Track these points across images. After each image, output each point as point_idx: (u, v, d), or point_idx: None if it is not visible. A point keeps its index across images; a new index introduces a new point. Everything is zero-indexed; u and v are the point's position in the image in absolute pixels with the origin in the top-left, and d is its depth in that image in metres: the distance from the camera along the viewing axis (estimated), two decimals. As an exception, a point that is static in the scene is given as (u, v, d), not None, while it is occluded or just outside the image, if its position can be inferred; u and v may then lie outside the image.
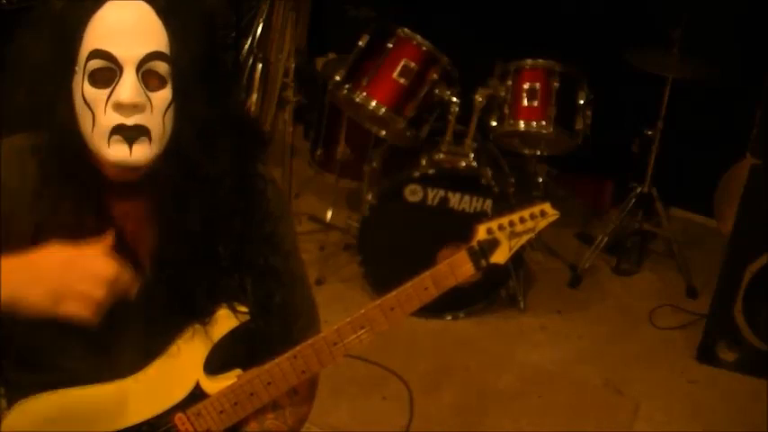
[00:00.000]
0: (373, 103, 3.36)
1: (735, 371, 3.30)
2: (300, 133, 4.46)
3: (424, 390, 3.07)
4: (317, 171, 4.13)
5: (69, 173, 1.33)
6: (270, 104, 4.12)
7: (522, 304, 3.56)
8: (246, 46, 4.17)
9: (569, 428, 3.01)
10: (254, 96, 4.04)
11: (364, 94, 3.37)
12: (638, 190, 3.81)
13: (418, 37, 3.40)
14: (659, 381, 3.26)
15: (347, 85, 3.40)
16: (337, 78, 3.41)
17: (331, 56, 4.05)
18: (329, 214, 3.90)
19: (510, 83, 3.53)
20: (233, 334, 1.43)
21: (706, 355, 3.35)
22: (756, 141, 3.35)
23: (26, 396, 1.41)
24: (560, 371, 3.28)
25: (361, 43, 3.45)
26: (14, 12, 3.11)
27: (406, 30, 3.40)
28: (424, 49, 3.40)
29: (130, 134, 1.28)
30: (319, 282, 3.55)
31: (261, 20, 4.17)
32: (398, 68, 3.37)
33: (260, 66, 4.11)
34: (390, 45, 3.39)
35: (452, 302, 3.44)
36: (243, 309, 1.42)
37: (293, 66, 3.70)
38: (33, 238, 1.33)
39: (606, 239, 3.84)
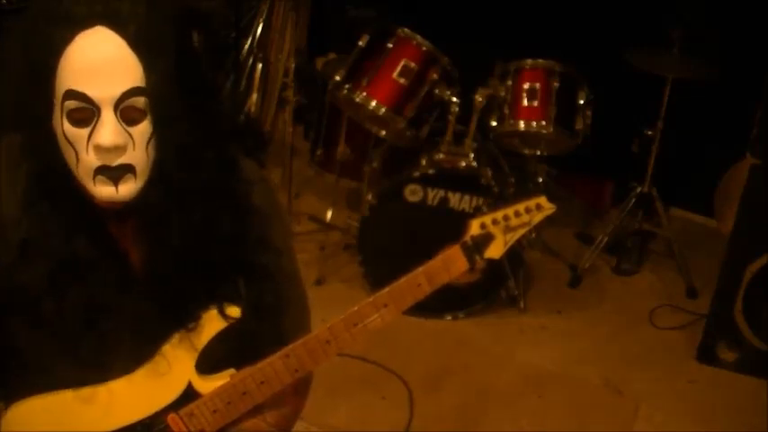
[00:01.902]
0: (373, 103, 3.36)
1: (735, 371, 3.29)
2: (300, 133, 4.46)
3: (424, 390, 3.07)
4: (317, 171, 4.13)
5: (57, 195, 1.31)
6: (270, 104, 4.13)
7: (522, 304, 3.56)
8: (246, 46, 4.18)
9: (569, 428, 3.01)
10: (254, 96, 4.05)
11: (364, 94, 3.37)
12: (638, 190, 3.81)
13: (418, 37, 3.40)
14: (659, 381, 3.26)
15: (347, 85, 3.40)
16: (337, 78, 3.41)
17: (331, 56, 4.05)
18: (329, 214, 3.90)
19: (510, 83, 3.52)
20: (225, 334, 1.42)
21: (706, 355, 3.34)
22: (756, 141, 3.35)
23: (22, 398, 1.42)
24: (560, 371, 3.27)
25: (361, 43, 3.45)
26: (14, 12, 3.12)
27: (406, 30, 3.40)
28: (424, 49, 3.40)
29: (115, 174, 1.25)
30: (319, 282, 3.55)
31: (261, 20, 4.18)
32: (398, 68, 3.37)
33: (260, 66, 4.11)
34: (390, 45, 3.39)
35: (452, 303, 3.44)
36: (233, 309, 1.42)
37: (293, 66, 3.72)
38: (20, 252, 1.32)
39: (606, 239, 3.83)
